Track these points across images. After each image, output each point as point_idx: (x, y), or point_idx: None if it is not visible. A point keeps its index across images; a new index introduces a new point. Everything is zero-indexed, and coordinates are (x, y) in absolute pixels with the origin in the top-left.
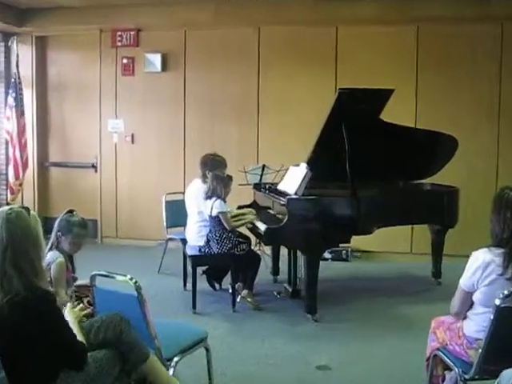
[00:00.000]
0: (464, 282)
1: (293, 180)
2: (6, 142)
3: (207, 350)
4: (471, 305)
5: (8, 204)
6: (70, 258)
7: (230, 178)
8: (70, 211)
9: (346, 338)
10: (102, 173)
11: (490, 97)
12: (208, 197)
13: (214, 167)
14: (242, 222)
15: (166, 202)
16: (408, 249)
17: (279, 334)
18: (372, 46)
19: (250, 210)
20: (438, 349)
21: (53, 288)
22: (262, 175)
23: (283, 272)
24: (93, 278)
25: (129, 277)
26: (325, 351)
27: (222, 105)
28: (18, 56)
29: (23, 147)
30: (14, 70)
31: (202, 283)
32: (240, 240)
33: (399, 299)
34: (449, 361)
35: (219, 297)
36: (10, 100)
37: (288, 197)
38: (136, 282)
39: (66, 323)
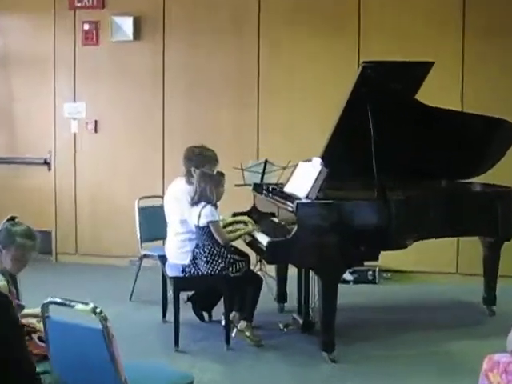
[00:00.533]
0: None
1: (303, 179)
2: None
3: None
4: None
5: None
6: (13, 280)
7: (221, 175)
8: (12, 218)
9: (371, 381)
10: (57, 171)
11: None
12: (195, 202)
13: (201, 163)
14: (239, 233)
15: (140, 209)
16: (453, 268)
17: (286, 377)
18: (406, 5)
19: (248, 219)
20: None
21: None
22: (263, 173)
23: (291, 298)
24: (45, 306)
25: (92, 305)
26: None
27: (211, 83)
28: None
29: None
30: None
31: (187, 313)
32: (236, 258)
33: (441, 332)
34: None
35: (209, 331)
36: None
37: (297, 201)
38: (101, 312)
39: (24, 342)
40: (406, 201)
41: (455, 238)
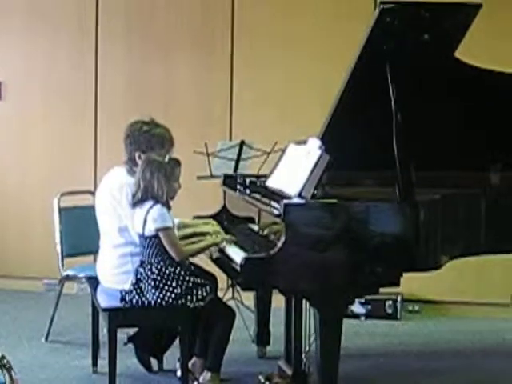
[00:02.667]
0: None
1: (295, 170)
2: None
3: None
4: None
5: None
6: None
7: (176, 162)
8: None
9: None
10: None
11: None
12: (138, 201)
13: (149, 146)
14: (202, 245)
15: (62, 210)
16: (506, 297)
17: None
18: None
19: (215, 227)
20: None
21: None
22: (238, 161)
23: (276, 340)
24: None
25: None
26: None
27: (164, 30)
28: None
29: None
30: None
31: (128, 360)
32: (197, 281)
33: None
34: None
35: None
36: None
37: (286, 201)
38: (3, 358)
39: None
40: (440, 202)
41: (510, 256)
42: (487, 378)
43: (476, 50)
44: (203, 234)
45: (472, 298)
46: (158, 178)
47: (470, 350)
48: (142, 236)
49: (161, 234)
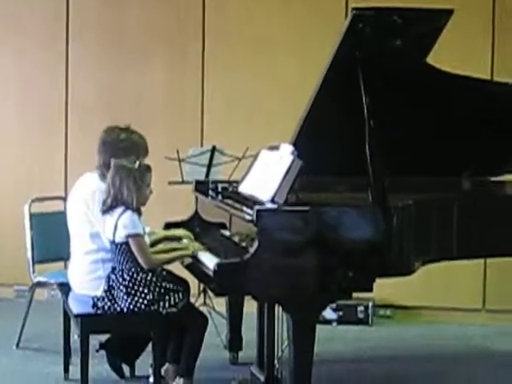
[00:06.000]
0: None
1: (267, 176)
2: None
3: None
4: None
5: None
6: None
7: (146, 168)
8: None
9: None
10: None
11: None
12: (108, 208)
13: (122, 153)
14: (173, 256)
15: (33, 216)
16: (478, 302)
17: None
18: None
19: (186, 233)
20: None
21: None
22: (210, 166)
23: (249, 345)
24: None
25: None
26: None
27: (135, 34)
28: None
29: None
30: None
31: (100, 366)
32: (169, 286)
33: None
34: None
35: None
36: None
37: (258, 207)
38: None
39: None
40: (412, 208)
41: (481, 261)
42: (461, 379)
43: (445, 54)
44: (175, 238)
45: (444, 303)
46: (127, 185)
47: (442, 356)
48: (112, 242)
49: (130, 241)
